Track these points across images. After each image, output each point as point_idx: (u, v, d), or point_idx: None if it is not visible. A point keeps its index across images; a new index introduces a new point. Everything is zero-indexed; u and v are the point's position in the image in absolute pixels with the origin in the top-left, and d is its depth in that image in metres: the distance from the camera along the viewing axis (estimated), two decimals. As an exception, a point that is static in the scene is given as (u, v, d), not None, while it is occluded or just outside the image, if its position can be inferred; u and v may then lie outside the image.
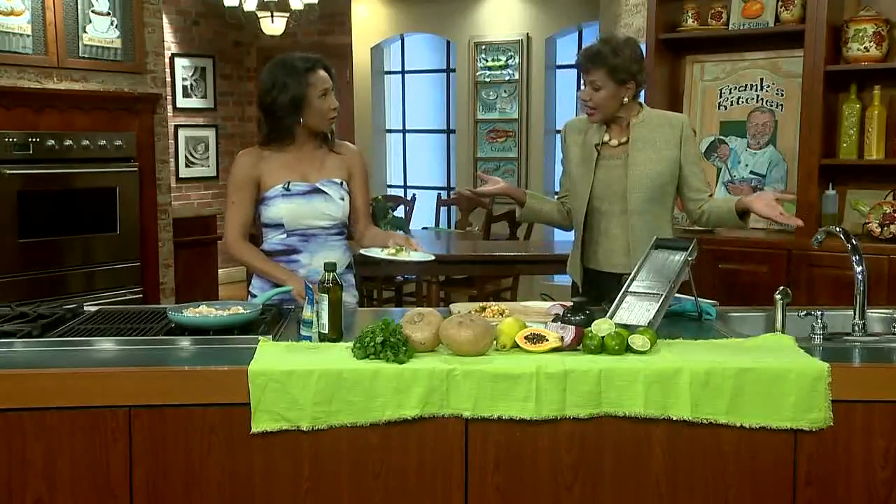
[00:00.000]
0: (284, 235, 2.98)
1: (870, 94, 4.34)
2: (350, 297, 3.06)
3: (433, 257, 2.98)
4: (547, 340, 2.27)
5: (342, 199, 3.02)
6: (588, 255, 3.18)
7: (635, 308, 2.49)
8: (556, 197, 3.34)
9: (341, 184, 3.03)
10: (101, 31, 5.22)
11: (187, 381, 2.17)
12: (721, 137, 4.92)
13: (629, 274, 2.77)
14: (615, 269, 3.08)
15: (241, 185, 2.99)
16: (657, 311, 2.43)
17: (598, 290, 3.02)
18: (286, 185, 2.95)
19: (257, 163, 2.99)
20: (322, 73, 2.95)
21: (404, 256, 2.90)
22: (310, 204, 2.97)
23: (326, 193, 2.99)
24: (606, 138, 3.12)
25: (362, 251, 3.00)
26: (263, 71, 2.99)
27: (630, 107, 3.09)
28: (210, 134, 9.19)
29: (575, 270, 3.23)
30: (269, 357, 2.22)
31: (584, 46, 3.14)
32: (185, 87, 8.91)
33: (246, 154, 3.04)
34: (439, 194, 7.73)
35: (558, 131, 7.45)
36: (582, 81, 3.11)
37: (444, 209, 7.51)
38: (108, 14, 5.25)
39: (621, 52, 3.02)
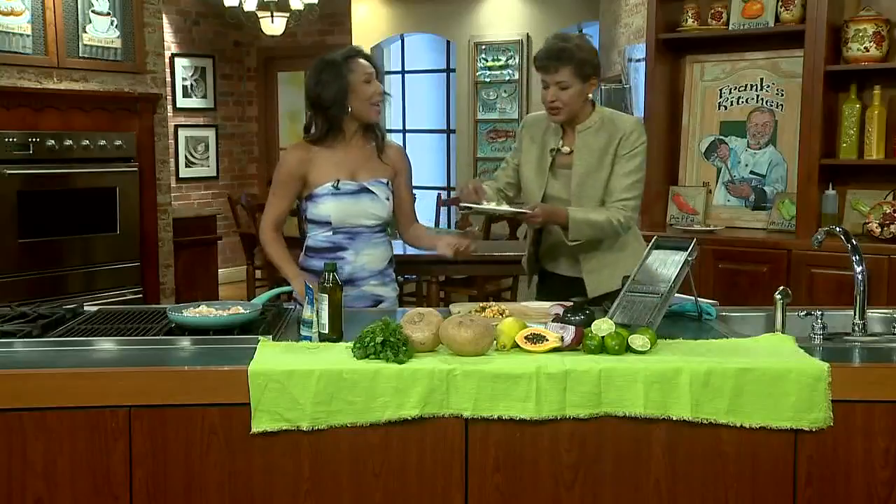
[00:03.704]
0: (331, 233, 3.01)
1: (870, 94, 4.35)
2: (391, 290, 3.11)
3: (529, 211, 2.95)
4: (547, 340, 2.27)
5: (388, 198, 3.06)
6: (543, 257, 3.18)
7: (635, 308, 2.49)
8: (497, 173, 3.29)
9: (387, 183, 3.07)
10: (101, 31, 5.21)
11: (187, 381, 2.16)
12: (721, 137, 4.92)
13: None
14: (570, 273, 3.08)
15: (286, 179, 3.01)
16: (657, 311, 2.43)
17: (556, 292, 3.03)
18: (336, 184, 2.97)
19: (306, 159, 3.00)
20: (362, 60, 3.02)
21: (506, 207, 2.98)
22: (358, 203, 3.00)
23: (374, 193, 3.03)
24: (560, 144, 3.07)
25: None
26: (308, 73, 3.04)
27: (585, 106, 3.03)
28: (210, 134, 9.20)
29: (530, 268, 3.23)
30: (269, 357, 2.22)
31: (540, 48, 3.03)
32: (185, 87, 8.92)
33: (295, 149, 3.06)
34: (439, 194, 7.74)
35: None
36: (541, 83, 3.01)
37: (444, 209, 7.52)
38: (108, 14, 5.25)
39: (583, 47, 2.97)
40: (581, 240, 2.96)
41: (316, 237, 3.03)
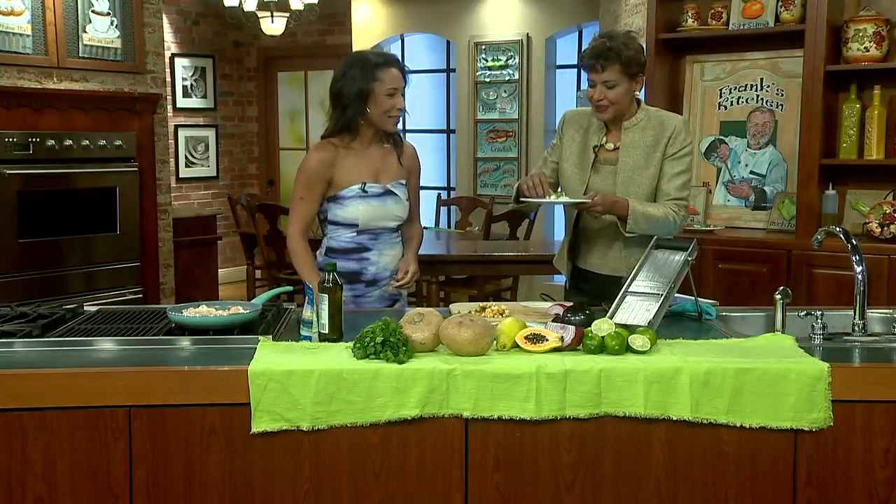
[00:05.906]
0: (355, 234, 3.03)
1: (870, 94, 4.35)
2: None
3: (589, 200, 2.90)
4: (547, 340, 2.27)
5: (407, 199, 3.10)
6: (580, 255, 3.15)
7: (635, 308, 2.49)
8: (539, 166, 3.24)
9: (405, 184, 3.11)
10: (101, 31, 5.21)
11: (187, 381, 2.17)
12: (721, 137, 4.92)
13: (623, 276, 2.75)
14: (610, 272, 3.04)
15: (312, 182, 3.00)
16: (657, 311, 2.43)
17: (592, 290, 3.01)
18: (363, 187, 2.99)
19: (332, 161, 3.00)
20: (394, 71, 2.97)
21: (565, 199, 2.93)
22: (383, 206, 3.03)
23: (397, 195, 3.06)
24: (604, 141, 3.06)
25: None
26: (340, 63, 3.02)
27: (631, 103, 3.02)
28: (210, 134, 9.20)
29: (562, 266, 3.20)
30: (269, 357, 2.22)
31: (587, 46, 3.01)
32: (185, 87, 8.92)
33: (318, 150, 3.03)
34: (439, 194, 7.74)
35: (558, 131, 7.49)
36: (587, 82, 2.99)
37: (444, 209, 7.52)
38: (108, 14, 5.24)
39: (630, 45, 2.95)
40: (636, 233, 2.91)
41: (339, 238, 3.04)
